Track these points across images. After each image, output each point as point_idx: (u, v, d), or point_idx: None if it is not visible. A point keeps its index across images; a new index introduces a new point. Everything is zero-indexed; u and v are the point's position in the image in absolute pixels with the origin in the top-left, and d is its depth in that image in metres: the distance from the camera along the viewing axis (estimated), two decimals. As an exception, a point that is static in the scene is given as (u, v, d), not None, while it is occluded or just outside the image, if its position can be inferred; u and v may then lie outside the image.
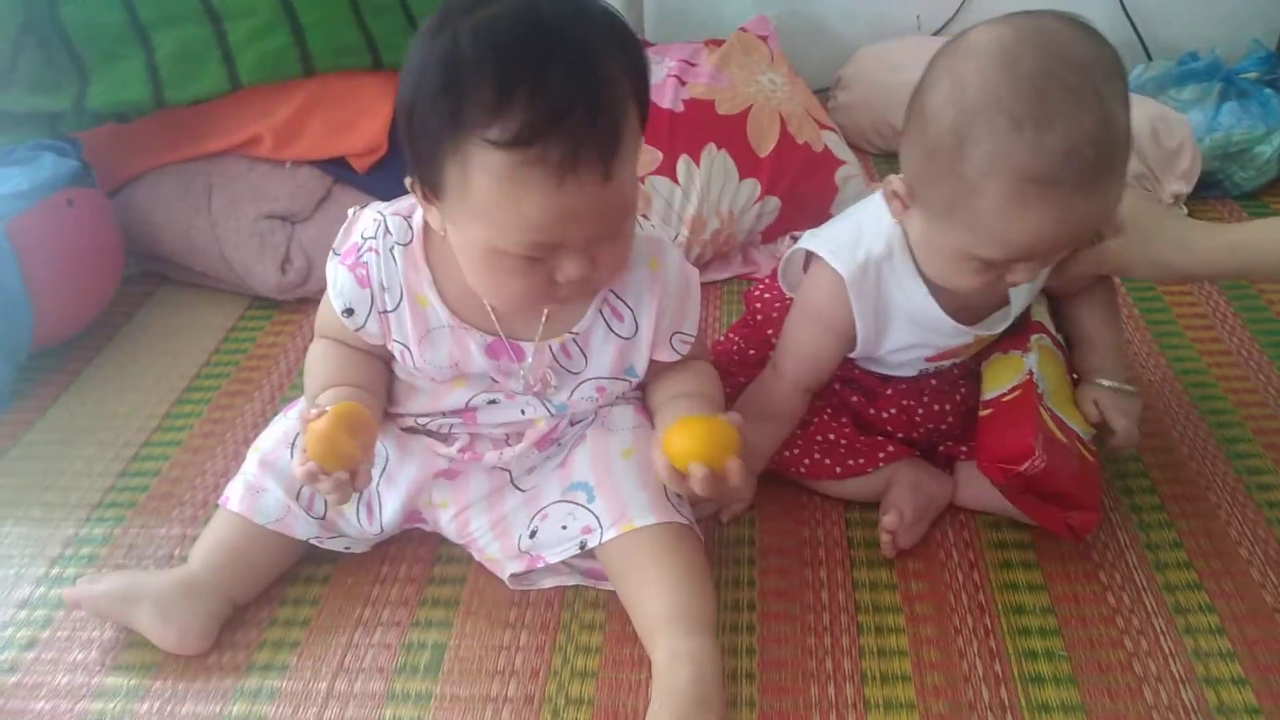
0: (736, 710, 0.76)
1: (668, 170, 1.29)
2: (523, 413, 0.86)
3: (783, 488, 0.95)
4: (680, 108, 1.33)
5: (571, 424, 0.89)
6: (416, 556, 0.91)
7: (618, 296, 0.81)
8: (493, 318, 0.80)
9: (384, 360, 0.86)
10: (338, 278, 0.80)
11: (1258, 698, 0.75)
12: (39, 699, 0.79)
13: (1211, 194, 1.47)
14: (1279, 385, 1.07)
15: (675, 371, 0.86)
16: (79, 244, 1.21)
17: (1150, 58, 1.69)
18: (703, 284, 1.29)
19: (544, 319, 0.80)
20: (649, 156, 1.30)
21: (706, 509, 0.91)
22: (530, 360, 0.82)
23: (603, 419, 0.88)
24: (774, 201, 1.33)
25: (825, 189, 1.37)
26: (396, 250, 0.79)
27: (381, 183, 1.26)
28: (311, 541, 0.87)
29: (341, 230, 0.82)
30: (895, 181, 0.77)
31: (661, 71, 1.38)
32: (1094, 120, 0.67)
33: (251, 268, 1.28)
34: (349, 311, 0.80)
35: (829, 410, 0.94)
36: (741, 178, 1.31)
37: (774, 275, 0.97)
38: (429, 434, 0.88)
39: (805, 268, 0.90)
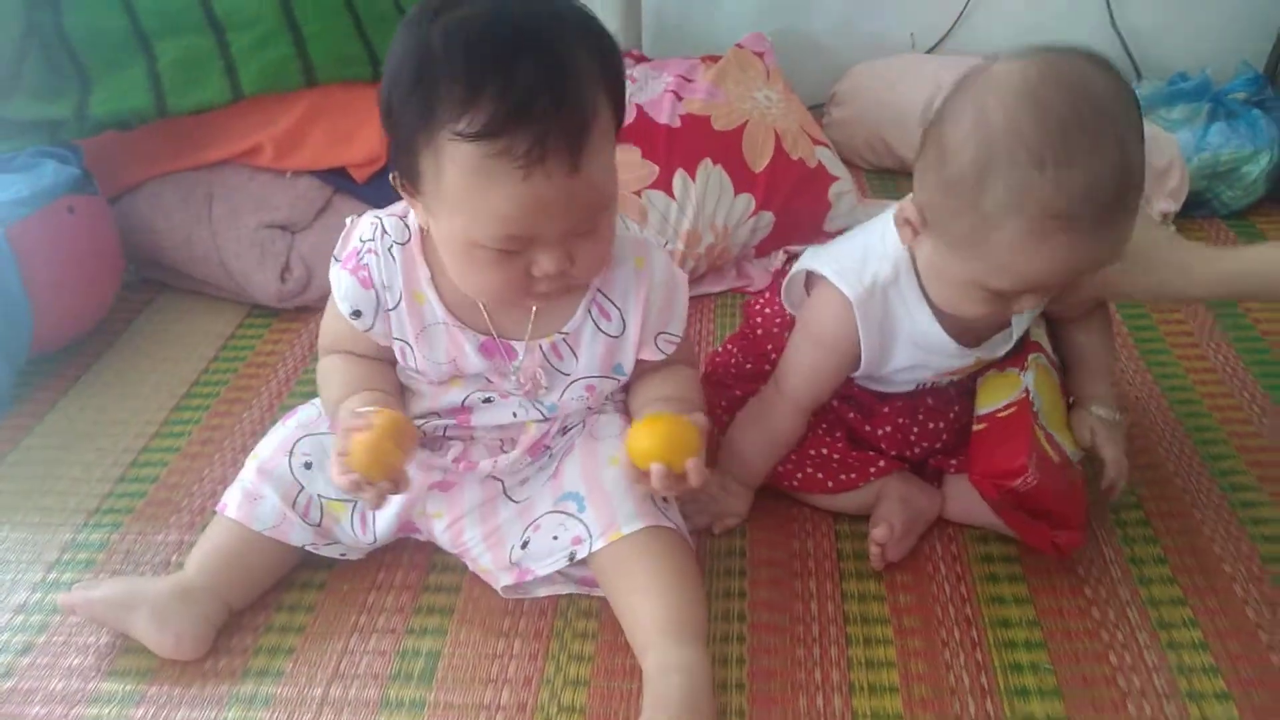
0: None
1: (664, 184, 1.31)
2: (515, 415, 0.87)
3: (774, 500, 0.96)
4: (677, 123, 1.34)
5: (563, 432, 0.90)
6: (412, 564, 0.91)
7: (605, 295, 0.82)
8: (485, 316, 0.81)
9: (393, 366, 0.87)
10: (341, 282, 0.81)
11: (1240, 713, 0.75)
12: (34, 704, 0.79)
13: (1199, 213, 1.48)
14: (1264, 403, 1.09)
15: (656, 375, 0.87)
16: (79, 250, 1.21)
17: (1141, 77, 1.71)
18: (697, 297, 1.31)
19: (532, 317, 0.81)
20: (645, 171, 1.31)
21: (700, 520, 0.92)
22: (522, 359, 0.83)
23: (590, 427, 0.89)
24: (768, 216, 1.34)
25: (819, 204, 1.38)
26: (395, 249, 0.80)
27: (381, 193, 1.27)
28: (307, 548, 0.87)
29: (341, 238, 0.83)
30: (908, 208, 0.77)
31: (659, 87, 1.40)
32: (1113, 161, 0.68)
33: (251, 276, 1.29)
34: (356, 314, 0.81)
35: (824, 425, 0.94)
36: (736, 193, 1.32)
37: (774, 289, 0.98)
38: (424, 443, 0.89)
39: (807, 287, 0.90)
